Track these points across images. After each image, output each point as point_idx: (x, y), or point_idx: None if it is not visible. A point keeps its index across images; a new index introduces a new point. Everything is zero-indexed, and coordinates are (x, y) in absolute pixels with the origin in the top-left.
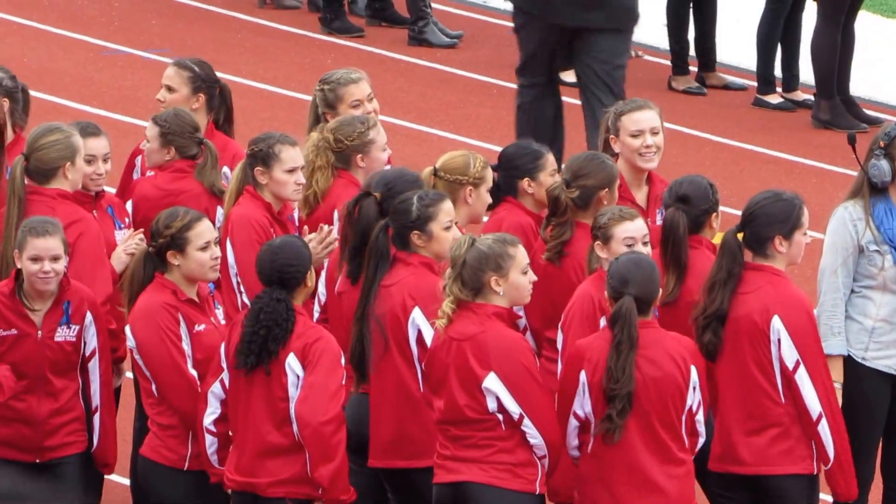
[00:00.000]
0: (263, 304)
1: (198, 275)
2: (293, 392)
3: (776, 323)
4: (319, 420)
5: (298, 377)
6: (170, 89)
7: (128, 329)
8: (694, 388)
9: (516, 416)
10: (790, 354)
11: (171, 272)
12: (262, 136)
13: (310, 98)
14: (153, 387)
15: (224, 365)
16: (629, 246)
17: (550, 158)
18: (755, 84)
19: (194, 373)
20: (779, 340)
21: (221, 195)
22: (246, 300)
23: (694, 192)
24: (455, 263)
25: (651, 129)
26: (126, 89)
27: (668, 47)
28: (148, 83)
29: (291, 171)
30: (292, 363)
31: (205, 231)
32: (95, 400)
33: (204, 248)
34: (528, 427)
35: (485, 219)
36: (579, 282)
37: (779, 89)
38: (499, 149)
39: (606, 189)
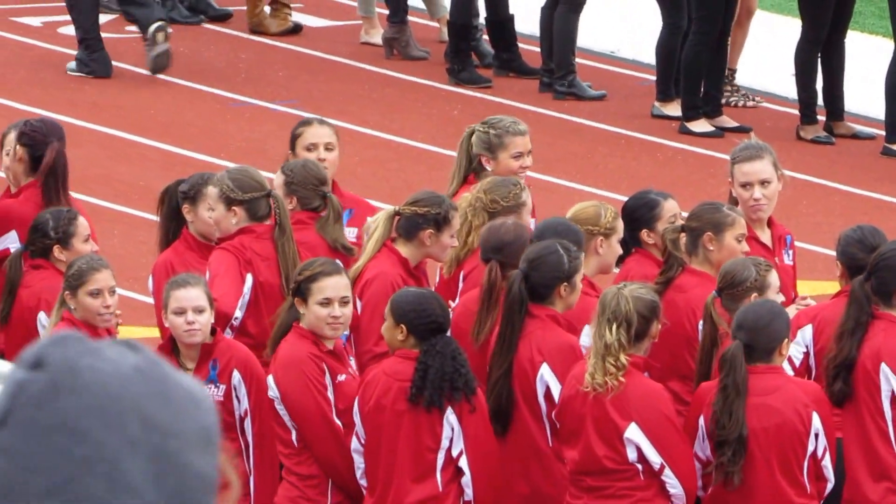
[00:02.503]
0: (455, 348)
1: (315, 329)
2: (445, 444)
3: (885, 369)
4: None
5: (454, 429)
6: (328, 148)
7: (270, 379)
8: (816, 435)
9: (657, 466)
10: None
11: (302, 320)
12: (434, 199)
13: (437, 149)
14: (293, 436)
15: (357, 418)
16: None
17: (667, 206)
18: (883, 133)
19: (339, 422)
20: (891, 390)
21: (346, 251)
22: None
23: (882, 241)
24: (619, 317)
25: (760, 181)
26: (254, 141)
27: (796, 96)
28: (275, 135)
29: (453, 236)
30: (450, 417)
31: (327, 287)
32: (249, 462)
33: (324, 304)
34: (669, 477)
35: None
36: (693, 329)
37: None
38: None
39: (710, 233)
